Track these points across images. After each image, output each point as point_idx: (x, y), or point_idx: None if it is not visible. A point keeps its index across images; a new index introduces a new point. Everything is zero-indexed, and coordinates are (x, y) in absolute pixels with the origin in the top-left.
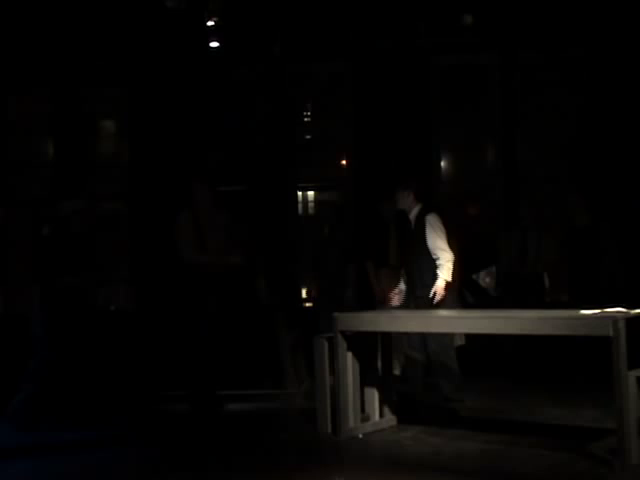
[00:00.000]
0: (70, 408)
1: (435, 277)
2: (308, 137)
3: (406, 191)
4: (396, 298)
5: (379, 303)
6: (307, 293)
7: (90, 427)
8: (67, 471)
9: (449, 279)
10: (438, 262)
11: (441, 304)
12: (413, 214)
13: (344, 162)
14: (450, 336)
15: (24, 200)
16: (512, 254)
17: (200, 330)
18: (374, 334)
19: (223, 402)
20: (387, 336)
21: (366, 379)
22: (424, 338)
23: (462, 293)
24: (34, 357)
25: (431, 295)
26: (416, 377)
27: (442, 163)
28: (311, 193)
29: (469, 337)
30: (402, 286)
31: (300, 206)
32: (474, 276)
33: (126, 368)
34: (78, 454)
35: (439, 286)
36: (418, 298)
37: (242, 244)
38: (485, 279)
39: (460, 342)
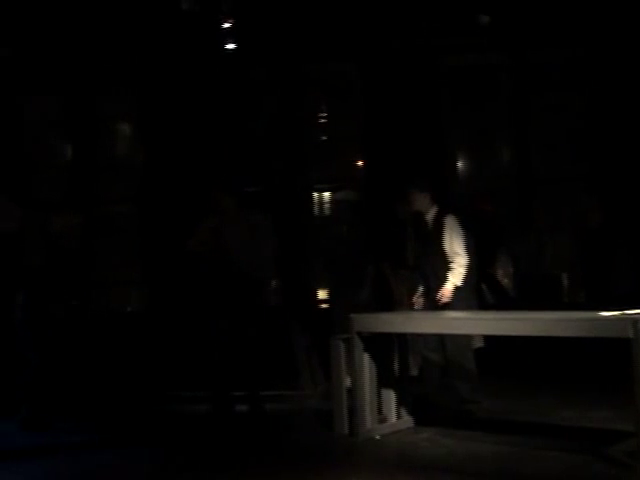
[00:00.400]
0: (80, 409)
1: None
2: (322, 138)
3: (422, 193)
4: (420, 301)
5: (397, 304)
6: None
7: (102, 428)
8: (77, 472)
9: (458, 283)
10: (452, 265)
11: (450, 306)
12: (430, 216)
13: (358, 162)
14: (467, 337)
15: (39, 202)
16: (527, 255)
17: (210, 331)
18: (390, 335)
19: (236, 403)
20: (403, 337)
21: (383, 380)
22: (441, 339)
23: (481, 293)
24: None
25: (437, 297)
26: (433, 378)
27: (455, 163)
28: (326, 194)
29: (486, 338)
30: (421, 288)
31: (315, 207)
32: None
33: (138, 369)
34: (89, 455)
35: (446, 288)
36: (435, 299)
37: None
38: (503, 280)
39: (479, 344)
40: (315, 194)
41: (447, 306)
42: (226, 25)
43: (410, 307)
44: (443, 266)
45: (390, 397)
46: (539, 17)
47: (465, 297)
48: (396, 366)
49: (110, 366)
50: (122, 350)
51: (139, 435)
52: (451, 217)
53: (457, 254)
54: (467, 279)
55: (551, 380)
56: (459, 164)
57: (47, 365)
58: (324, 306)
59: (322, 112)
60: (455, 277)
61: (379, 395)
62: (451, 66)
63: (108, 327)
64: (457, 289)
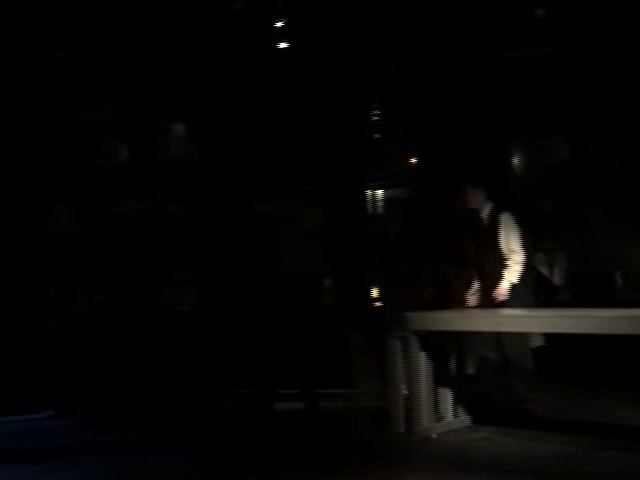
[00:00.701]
0: (137, 406)
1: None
2: (375, 136)
3: (477, 190)
4: (472, 299)
5: (454, 302)
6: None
7: (154, 426)
8: (130, 469)
9: (515, 281)
10: (508, 263)
11: (506, 304)
12: (485, 213)
13: (412, 160)
14: (526, 335)
15: (95, 202)
16: (580, 252)
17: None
18: (447, 333)
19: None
20: (460, 335)
21: (439, 379)
22: (498, 337)
23: (538, 292)
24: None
25: (494, 295)
26: (490, 377)
27: (510, 160)
28: (379, 191)
29: (546, 337)
30: (477, 286)
31: (369, 205)
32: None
33: (194, 368)
34: (142, 452)
35: (502, 287)
36: (491, 297)
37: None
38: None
39: (539, 343)
40: (368, 192)
41: (503, 304)
42: (278, 24)
43: (463, 304)
44: (498, 264)
45: (447, 396)
46: (595, 9)
47: (522, 295)
48: (453, 364)
49: (166, 365)
50: (178, 349)
51: (196, 433)
52: (507, 214)
53: (513, 251)
54: (524, 276)
55: (611, 379)
56: (514, 161)
57: (106, 363)
58: (378, 304)
59: (376, 110)
60: (511, 275)
61: (436, 394)
62: (506, 61)
63: (164, 326)
64: (514, 287)
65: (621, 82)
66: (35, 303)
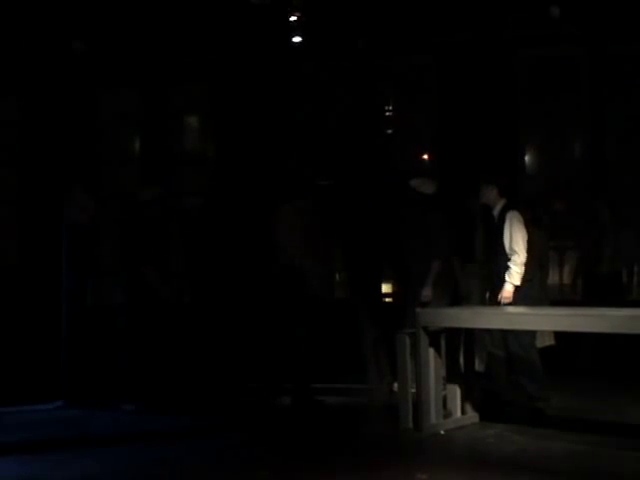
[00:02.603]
0: (164, 397)
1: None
2: (394, 130)
3: (490, 186)
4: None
5: (464, 299)
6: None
7: (183, 416)
8: (163, 457)
9: (517, 283)
10: (509, 264)
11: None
12: (497, 209)
13: (428, 155)
14: (530, 334)
15: (113, 194)
16: (590, 251)
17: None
18: (457, 330)
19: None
20: (470, 332)
21: (448, 375)
22: (504, 336)
23: (546, 290)
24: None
25: (498, 299)
26: (500, 374)
27: (528, 157)
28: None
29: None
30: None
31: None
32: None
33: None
34: (174, 442)
35: (506, 290)
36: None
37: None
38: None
39: (549, 342)
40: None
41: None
42: (295, 18)
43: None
44: (507, 266)
45: (455, 392)
46: (615, 8)
47: (530, 294)
48: (462, 361)
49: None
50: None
51: (213, 426)
52: (513, 212)
53: (514, 252)
54: (530, 276)
55: (624, 378)
56: (533, 158)
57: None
58: (390, 300)
59: (396, 105)
60: (511, 278)
61: (444, 390)
62: (526, 58)
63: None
64: (521, 287)
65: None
66: (51, 293)
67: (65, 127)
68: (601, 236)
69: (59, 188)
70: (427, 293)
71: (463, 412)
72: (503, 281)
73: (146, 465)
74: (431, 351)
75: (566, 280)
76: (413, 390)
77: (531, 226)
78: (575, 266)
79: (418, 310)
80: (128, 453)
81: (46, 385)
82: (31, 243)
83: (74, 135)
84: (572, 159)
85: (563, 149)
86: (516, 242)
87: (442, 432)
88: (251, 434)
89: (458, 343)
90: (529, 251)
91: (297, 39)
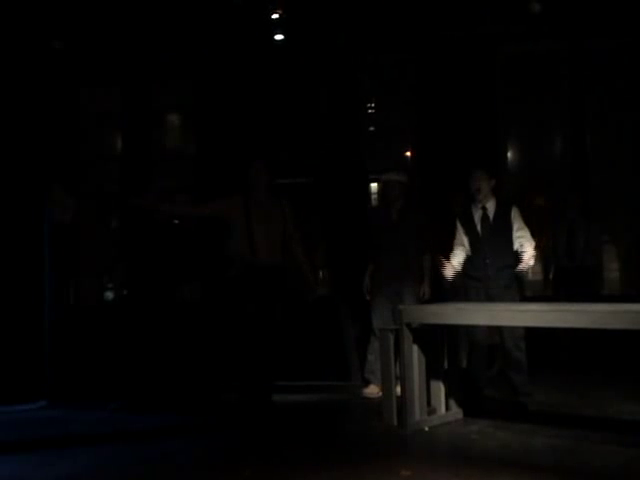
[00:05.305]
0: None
1: (516, 257)
2: (373, 128)
3: (491, 179)
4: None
5: (448, 295)
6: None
7: (168, 415)
8: (147, 456)
9: (531, 262)
10: (523, 249)
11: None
12: (490, 204)
13: (409, 153)
14: (522, 328)
15: (94, 193)
16: (561, 246)
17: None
18: (440, 326)
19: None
20: (453, 328)
21: (432, 372)
22: (499, 329)
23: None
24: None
25: (521, 267)
26: (483, 370)
27: (508, 154)
28: (374, 185)
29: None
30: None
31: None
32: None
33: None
34: (158, 441)
35: (529, 254)
36: (488, 289)
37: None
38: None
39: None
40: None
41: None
42: (277, 15)
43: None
44: (509, 255)
45: (439, 389)
46: (595, 3)
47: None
48: (445, 357)
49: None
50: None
51: (198, 425)
52: (515, 206)
53: (530, 241)
54: None
55: (608, 374)
56: (513, 153)
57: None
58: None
59: (375, 102)
60: (532, 251)
61: (428, 387)
62: (507, 54)
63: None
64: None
65: (620, 75)
66: (33, 293)
67: (45, 125)
68: (570, 231)
69: (40, 187)
70: (426, 289)
71: (447, 408)
72: (506, 263)
73: (130, 464)
74: (415, 347)
75: (538, 276)
76: (397, 385)
77: None
78: (546, 261)
79: (401, 307)
80: (112, 452)
81: (29, 385)
82: (11, 243)
83: (54, 134)
84: (552, 154)
85: (544, 145)
86: (529, 232)
87: (426, 429)
88: (236, 433)
89: (441, 339)
90: None
91: (278, 36)
